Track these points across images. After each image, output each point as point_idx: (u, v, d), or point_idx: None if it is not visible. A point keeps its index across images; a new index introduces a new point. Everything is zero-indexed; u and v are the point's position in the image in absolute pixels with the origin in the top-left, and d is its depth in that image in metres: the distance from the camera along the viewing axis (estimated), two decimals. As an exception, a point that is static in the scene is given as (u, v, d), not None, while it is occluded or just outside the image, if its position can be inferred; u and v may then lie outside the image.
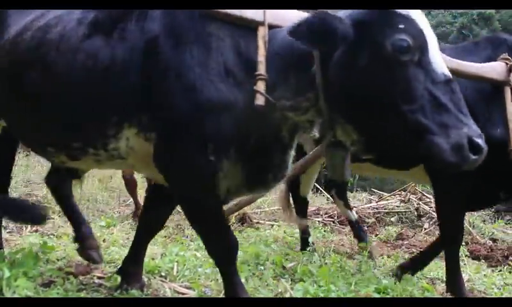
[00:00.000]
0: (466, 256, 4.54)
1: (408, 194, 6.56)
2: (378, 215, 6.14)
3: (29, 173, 6.72)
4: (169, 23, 2.22)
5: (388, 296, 2.87)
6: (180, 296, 2.69)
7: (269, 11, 2.21)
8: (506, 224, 6.53)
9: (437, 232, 5.60)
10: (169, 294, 2.68)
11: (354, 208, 6.01)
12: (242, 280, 2.84)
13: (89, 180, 5.61)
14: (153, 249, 3.64)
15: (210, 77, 2.15)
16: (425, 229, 5.72)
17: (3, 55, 2.58)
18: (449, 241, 3.26)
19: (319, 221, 5.59)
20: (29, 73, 2.42)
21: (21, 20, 2.63)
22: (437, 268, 3.97)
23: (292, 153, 2.34)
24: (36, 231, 4.22)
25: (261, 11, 2.20)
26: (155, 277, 2.92)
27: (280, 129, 2.23)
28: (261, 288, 2.87)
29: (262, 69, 2.11)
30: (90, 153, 2.39)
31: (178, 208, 6.19)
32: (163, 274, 2.99)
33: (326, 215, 5.85)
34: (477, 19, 19.04)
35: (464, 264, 4.22)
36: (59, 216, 5.28)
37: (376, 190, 7.45)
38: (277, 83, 2.13)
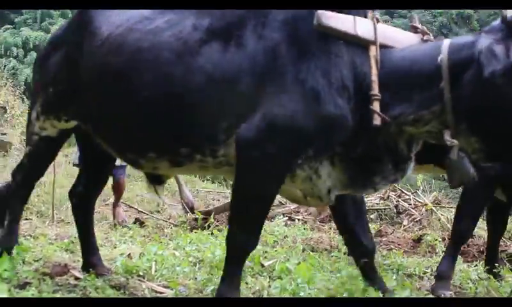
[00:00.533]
0: (443, 251, 4.60)
1: (388, 191, 6.61)
2: (358, 212, 6.17)
3: (6, 173, 6.62)
4: (292, 34, 2.33)
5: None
6: (158, 295, 2.68)
7: (379, 30, 2.37)
8: (484, 220, 6.61)
9: (415, 228, 5.68)
10: (147, 294, 2.67)
11: (334, 206, 6.07)
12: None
13: (69, 180, 5.55)
14: (132, 248, 3.64)
15: (331, 91, 2.26)
16: (404, 226, 5.77)
17: (101, 55, 2.53)
18: (458, 238, 3.41)
19: (298, 219, 5.62)
20: (136, 75, 2.42)
21: (113, 20, 2.59)
22: (414, 264, 4.03)
23: (412, 162, 2.50)
24: (13, 232, 4.17)
25: (372, 29, 2.36)
26: (132, 277, 2.90)
27: (397, 142, 2.42)
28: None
29: (375, 89, 2.28)
30: (196, 160, 2.41)
31: (158, 208, 6.21)
32: (141, 273, 2.98)
33: (306, 213, 5.88)
34: (456, 18, 19.29)
35: (441, 259, 4.28)
36: (37, 217, 5.25)
37: (356, 188, 7.49)
38: (398, 100, 2.31)
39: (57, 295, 2.45)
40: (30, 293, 2.41)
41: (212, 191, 7.93)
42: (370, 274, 2.88)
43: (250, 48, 2.32)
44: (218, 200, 7.19)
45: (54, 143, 2.89)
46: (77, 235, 3.93)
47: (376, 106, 2.26)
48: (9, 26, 15.32)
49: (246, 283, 2.98)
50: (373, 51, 2.33)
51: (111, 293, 2.54)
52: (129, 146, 2.58)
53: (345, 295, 2.68)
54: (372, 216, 6.12)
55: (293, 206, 6.11)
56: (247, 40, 2.34)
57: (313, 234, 4.98)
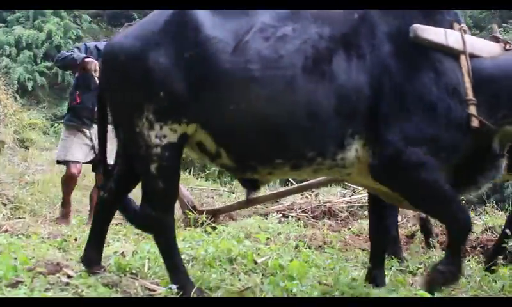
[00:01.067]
0: (435, 247, 4.62)
1: (382, 187, 6.61)
2: (352, 209, 6.20)
3: (-1, 173, 6.61)
4: (399, 46, 2.59)
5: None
6: (151, 293, 2.68)
7: (467, 41, 2.66)
8: (476, 215, 6.65)
9: (409, 225, 5.69)
10: (139, 291, 2.67)
11: (328, 203, 6.08)
12: (214, 275, 2.87)
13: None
14: (125, 246, 3.63)
15: (443, 97, 2.54)
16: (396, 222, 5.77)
17: (235, 62, 2.50)
18: None
19: (292, 216, 5.62)
20: (273, 81, 2.49)
21: (234, 27, 2.57)
22: (408, 260, 4.04)
23: (504, 160, 2.79)
24: (6, 231, 4.16)
25: (461, 40, 2.65)
26: (125, 275, 2.89)
27: (491, 140, 2.70)
28: (233, 283, 2.88)
29: (470, 94, 2.58)
30: (315, 163, 2.59)
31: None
32: (134, 271, 2.97)
33: (300, 210, 5.88)
34: (449, 15, 19.31)
35: (434, 255, 4.31)
36: (31, 215, 5.23)
37: (349, 185, 7.50)
38: (500, 103, 2.63)
39: (49, 294, 2.44)
40: (22, 291, 2.40)
41: (205, 188, 7.92)
42: (377, 265, 3.03)
43: (366, 60, 2.55)
44: (212, 197, 7.17)
45: (178, 150, 2.65)
46: (69, 233, 3.98)
47: (472, 110, 2.55)
48: (1, 24, 15.21)
49: (239, 280, 2.99)
50: (463, 60, 2.61)
51: (103, 292, 2.53)
52: (255, 154, 2.62)
53: (337, 294, 2.68)
54: (365, 212, 6.12)
55: (287, 203, 6.12)
56: (364, 50, 2.56)
57: (306, 231, 4.98)
